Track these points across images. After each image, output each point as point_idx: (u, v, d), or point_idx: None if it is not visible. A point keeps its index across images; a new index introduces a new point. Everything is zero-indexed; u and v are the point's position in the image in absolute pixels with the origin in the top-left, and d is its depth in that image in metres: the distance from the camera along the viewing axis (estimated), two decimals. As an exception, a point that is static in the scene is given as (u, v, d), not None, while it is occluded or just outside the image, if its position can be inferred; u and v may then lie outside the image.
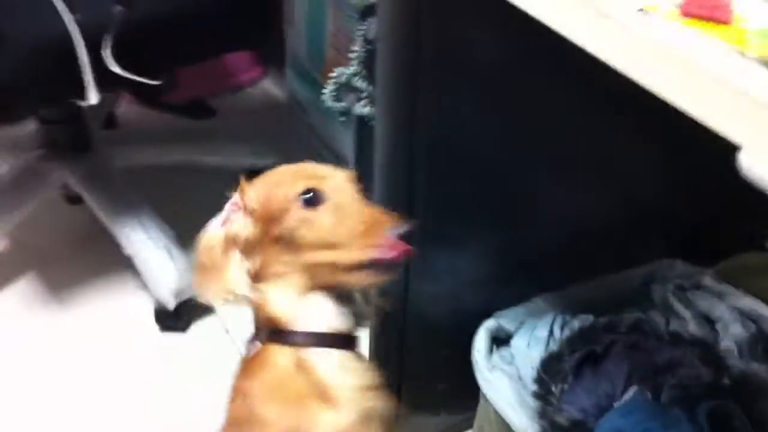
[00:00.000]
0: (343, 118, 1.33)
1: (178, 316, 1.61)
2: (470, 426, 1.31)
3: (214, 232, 0.85)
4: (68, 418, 1.45)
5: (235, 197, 0.86)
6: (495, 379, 1.16)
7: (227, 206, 0.86)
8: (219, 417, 1.14)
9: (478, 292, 1.25)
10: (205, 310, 1.66)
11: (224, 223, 0.86)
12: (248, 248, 0.83)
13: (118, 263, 1.69)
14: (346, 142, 2.01)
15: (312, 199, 0.81)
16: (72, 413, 1.46)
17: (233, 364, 1.53)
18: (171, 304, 1.58)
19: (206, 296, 0.85)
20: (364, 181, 0.88)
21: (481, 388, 1.18)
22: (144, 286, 1.64)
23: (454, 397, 1.36)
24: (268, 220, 0.83)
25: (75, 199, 1.77)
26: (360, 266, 0.81)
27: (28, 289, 1.71)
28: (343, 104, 1.33)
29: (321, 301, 0.85)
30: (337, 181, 0.84)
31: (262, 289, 0.84)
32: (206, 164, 1.89)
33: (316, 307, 0.85)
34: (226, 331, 1.63)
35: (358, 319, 0.89)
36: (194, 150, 1.89)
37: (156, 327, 1.62)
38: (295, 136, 2.20)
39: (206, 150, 1.90)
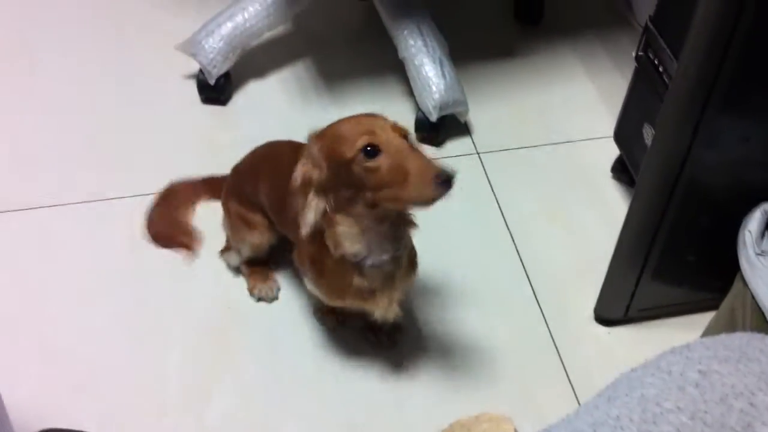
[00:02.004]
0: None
1: (436, 130, 1.63)
2: (713, 307, 1.25)
3: (299, 171, 1.04)
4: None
5: (307, 148, 1.04)
6: (761, 265, 1.08)
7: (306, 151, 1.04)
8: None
9: (764, 173, 1.15)
10: (461, 130, 1.68)
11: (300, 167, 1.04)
12: (321, 189, 1.02)
13: (389, 65, 1.72)
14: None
15: (371, 152, 0.97)
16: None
17: (478, 186, 1.57)
18: (433, 117, 1.59)
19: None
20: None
21: (741, 270, 1.11)
22: (410, 94, 1.66)
23: (701, 272, 1.30)
24: (336, 168, 1.00)
25: (361, -5, 1.79)
26: (411, 200, 0.99)
27: (304, 73, 1.79)
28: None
29: (374, 239, 1.06)
30: (388, 134, 0.99)
31: (335, 223, 1.04)
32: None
33: (369, 243, 1.06)
34: (476, 154, 1.64)
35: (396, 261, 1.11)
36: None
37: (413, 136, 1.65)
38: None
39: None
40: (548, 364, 1.31)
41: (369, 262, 1.08)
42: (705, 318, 1.30)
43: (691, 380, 0.59)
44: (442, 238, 1.47)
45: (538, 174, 1.62)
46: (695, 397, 0.58)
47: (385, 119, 1.02)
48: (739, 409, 0.57)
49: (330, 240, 1.05)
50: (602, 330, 1.35)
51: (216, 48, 1.65)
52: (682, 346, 0.67)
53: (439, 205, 1.49)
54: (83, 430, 1.12)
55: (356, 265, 1.08)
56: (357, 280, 1.10)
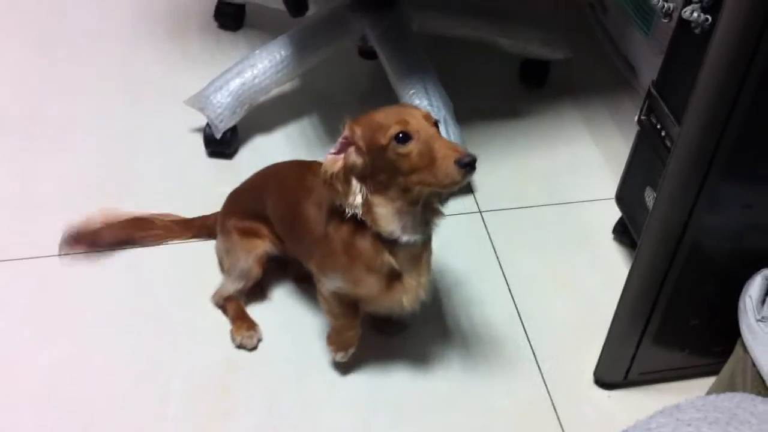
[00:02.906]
0: (665, 19, 1.24)
1: (439, 188, 1.64)
2: (715, 372, 1.25)
3: (334, 160, 1.12)
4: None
5: (346, 133, 1.12)
6: (761, 331, 1.08)
7: (339, 139, 1.12)
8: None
9: (766, 239, 1.16)
10: (464, 189, 1.69)
11: (339, 152, 1.12)
12: (360, 174, 1.11)
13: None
14: (639, 52, 1.91)
15: (403, 138, 1.07)
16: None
17: (480, 245, 1.57)
18: (436, 174, 1.60)
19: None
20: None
21: (742, 336, 1.11)
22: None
23: (703, 337, 1.30)
24: (372, 154, 1.10)
25: (368, 54, 1.82)
26: (438, 183, 1.07)
27: (310, 129, 1.81)
28: (669, 4, 1.23)
29: (408, 220, 1.14)
30: (419, 122, 1.08)
31: (372, 204, 1.12)
32: (496, 44, 1.87)
33: (404, 223, 1.14)
34: (478, 212, 1.65)
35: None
36: (488, 28, 1.86)
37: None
38: (588, 36, 2.12)
39: (500, 30, 1.86)
40: (547, 428, 1.30)
41: (403, 239, 1.15)
42: (706, 383, 1.29)
43: None
44: (441, 295, 1.48)
45: (540, 234, 1.62)
46: None
47: (417, 109, 1.13)
48: None
49: (368, 217, 1.13)
50: (602, 393, 1.34)
51: (224, 103, 1.67)
52: (673, 406, 0.67)
53: (440, 262, 1.51)
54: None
55: (388, 244, 1.16)
56: (387, 258, 1.16)
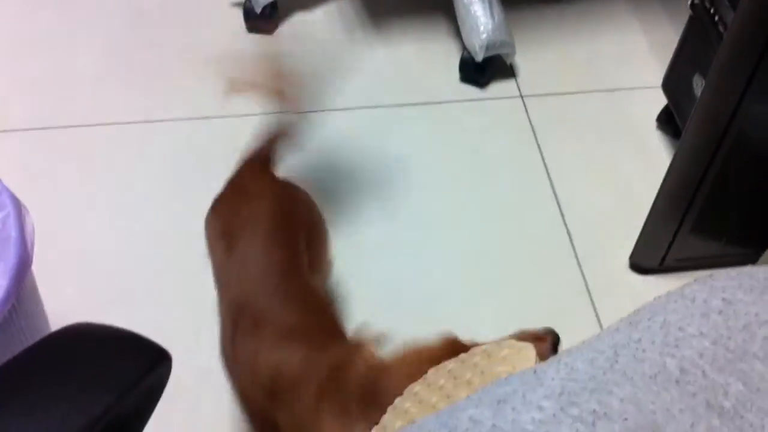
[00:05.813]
0: None
1: (481, 71, 1.62)
2: (751, 261, 1.25)
3: None
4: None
5: None
6: (803, 221, 1.07)
7: None
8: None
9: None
10: (506, 73, 1.66)
11: None
12: None
13: (436, 4, 1.71)
14: None
15: None
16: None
17: (520, 131, 1.56)
18: (478, 57, 1.57)
19: None
20: None
21: (784, 226, 1.10)
22: (457, 33, 1.64)
23: (742, 227, 1.30)
24: None
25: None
26: None
27: (349, 9, 1.78)
28: None
29: None
30: None
31: None
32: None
33: None
34: (519, 97, 1.63)
35: None
36: None
37: (457, 75, 1.64)
38: None
39: None
40: (581, 311, 1.32)
41: None
42: (742, 273, 1.29)
43: (715, 307, 0.59)
44: (480, 179, 1.48)
45: (582, 120, 1.60)
46: (718, 324, 0.58)
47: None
48: (763, 336, 0.57)
49: None
50: (637, 278, 1.36)
51: (265, -24, 1.64)
52: (706, 275, 0.67)
53: (479, 146, 1.51)
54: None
55: None
56: None
